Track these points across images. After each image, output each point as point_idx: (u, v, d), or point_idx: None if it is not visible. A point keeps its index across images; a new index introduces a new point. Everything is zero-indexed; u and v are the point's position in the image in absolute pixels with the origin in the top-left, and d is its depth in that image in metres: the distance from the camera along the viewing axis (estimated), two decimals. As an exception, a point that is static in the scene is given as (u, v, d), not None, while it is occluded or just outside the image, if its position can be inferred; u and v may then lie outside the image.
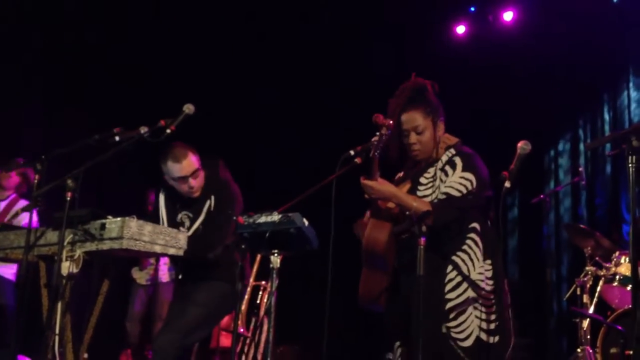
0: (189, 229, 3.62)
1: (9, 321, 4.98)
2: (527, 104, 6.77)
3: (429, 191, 3.16)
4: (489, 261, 3.10)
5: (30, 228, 3.30)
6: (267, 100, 7.10)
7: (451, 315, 3.02)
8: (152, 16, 7.01)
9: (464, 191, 3.06)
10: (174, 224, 3.67)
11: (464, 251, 3.09)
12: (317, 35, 7.14)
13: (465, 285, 3.05)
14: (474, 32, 7.21)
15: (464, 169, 3.09)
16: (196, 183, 3.63)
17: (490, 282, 3.07)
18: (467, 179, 3.08)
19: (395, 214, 3.17)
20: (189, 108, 3.43)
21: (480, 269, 3.06)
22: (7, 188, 5.29)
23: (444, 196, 3.09)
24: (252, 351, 4.92)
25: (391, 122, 3.13)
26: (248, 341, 5.13)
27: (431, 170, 3.19)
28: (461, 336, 3.01)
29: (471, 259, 3.07)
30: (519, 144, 2.99)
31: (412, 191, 3.19)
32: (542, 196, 6.10)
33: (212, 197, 3.62)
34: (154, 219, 3.70)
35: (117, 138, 3.40)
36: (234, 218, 2.88)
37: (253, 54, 7.23)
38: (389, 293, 3.16)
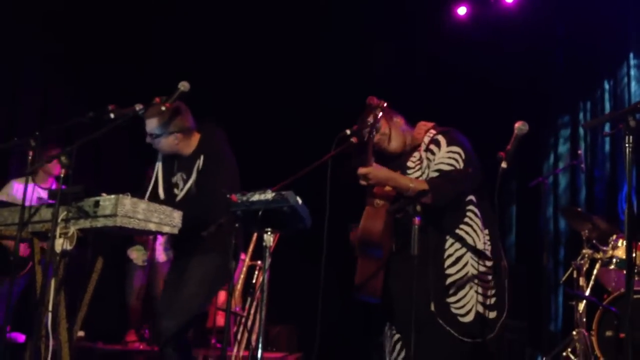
0: (181, 190, 3.62)
1: (1, 299, 4.99)
2: (528, 85, 6.75)
3: (418, 173, 3.22)
4: (487, 231, 3.16)
5: (24, 205, 3.29)
6: (262, 78, 7.06)
7: (451, 291, 3.07)
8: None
9: (455, 164, 3.11)
10: (169, 185, 3.67)
11: (466, 223, 3.14)
12: (314, 15, 7.10)
13: (465, 259, 3.10)
14: (475, 13, 7.16)
15: (449, 144, 3.17)
16: (156, 143, 3.62)
17: (490, 253, 3.13)
18: (454, 152, 3.15)
19: (392, 196, 3.19)
20: (184, 85, 3.40)
21: (484, 239, 3.12)
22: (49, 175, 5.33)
23: (436, 173, 3.12)
24: (247, 330, 4.92)
25: (385, 103, 3.14)
26: (244, 320, 5.14)
27: (416, 153, 3.26)
28: (462, 312, 3.06)
29: (474, 230, 3.13)
30: (516, 125, 2.99)
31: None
32: (540, 179, 6.08)
33: (202, 157, 3.61)
34: (152, 184, 3.69)
35: (111, 115, 3.38)
36: (224, 191, 2.86)
37: (251, 30, 7.19)
38: (385, 279, 3.18)
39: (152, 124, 3.56)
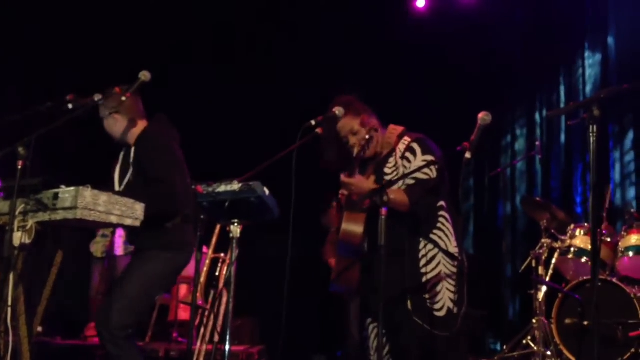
0: (121, 182, 3.57)
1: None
2: (487, 77, 6.83)
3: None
4: (455, 234, 3.31)
5: (-20, 198, 3.19)
6: (228, 67, 7.01)
7: (428, 287, 3.21)
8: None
9: (430, 174, 3.24)
10: (123, 177, 3.61)
11: (439, 229, 3.29)
12: (276, 8, 7.06)
13: (438, 259, 3.25)
14: (433, 6, 7.21)
15: (424, 153, 3.31)
16: (107, 127, 3.61)
17: (458, 254, 3.28)
18: (429, 161, 3.26)
19: (367, 206, 3.27)
20: (145, 75, 3.33)
21: (454, 242, 3.28)
22: None
23: (413, 181, 3.25)
24: (211, 323, 4.87)
25: (335, 110, 3.26)
26: (207, 313, 5.09)
27: (392, 160, 3.37)
28: (437, 307, 3.20)
29: (446, 235, 3.28)
30: (480, 115, 3.02)
31: (379, 182, 3.30)
32: (499, 169, 6.18)
33: (133, 149, 3.56)
34: (110, 178, 3.65)
35: (70, 105, 3.30)
36: (193, 187, 2.82)
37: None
38: (361, 274, 3.30)
39: (103, 107, 3.52)
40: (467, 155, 2.93)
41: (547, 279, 5.06)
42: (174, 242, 3.51)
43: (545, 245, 5.09)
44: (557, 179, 6.64)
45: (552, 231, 5.19)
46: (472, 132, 2.98)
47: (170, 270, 3.58)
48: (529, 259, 5.14)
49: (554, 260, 5.14)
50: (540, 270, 5.04)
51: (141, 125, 3.63)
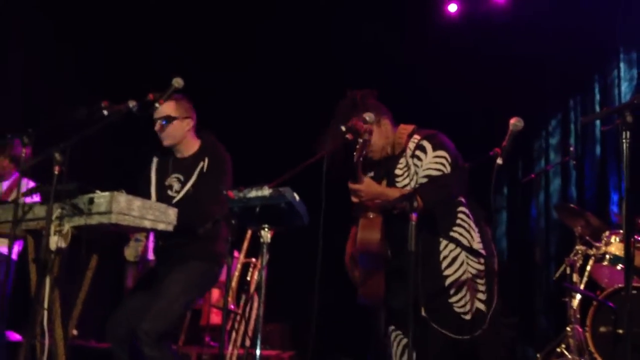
0: (178, 192, 3.62)
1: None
2: (519, 83, 6.76)
3: (407, 180, 3.23)
4: (477, 229, 3.20)
5: (18, 202, 3.27)
6: (258, 74, 7.06)
7: (452, 291, 3.09)
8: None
9: (443, 169, 3.14)
10: (161, 186, 3.67)
11: (459, 225, 3.17)
12: (308, 12, 7.09)
13: (461, 258, 3.13)
14: (466, 10, 7.17)
15: (435, 149, 3.19)
16: (168, 129, 3.65)
17: (483, 250, 3.17)
18: (441, 157, 3.18)
19: (383, 207, 3.18)
20: (177, 82, 3.38)
21: (478, 238, 3.16)
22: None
23: (425, 179, 3.15)
24: (242, 328, 4.91)
25: (365, 115, 3.12)
26: (238, 318, 5.12)
27: (402, 160, 3.25)
28: (464, 310, 3.09)
29: (468, 231, 3.16)
30: (512, 121, 2.99)
31: (390, 185, 3.24)
32: (532, 176, 6.11)
33: (206, 159, 3.63)
34: (145, 185, 3.70)
35: (104, 112, 3.36)
36: (225, 192, 2.85)
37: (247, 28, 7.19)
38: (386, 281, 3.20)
39: (169, 107, 3.57)
40: (499, 161, 2.90)
41: (582, 286, 4.99)
42: (211, 253, 3.57)
43: (579, 252, 5.02)
44: (591, 186, 6.54)
45: (587, 238, 5.11)
46: (504, 138, 2.96)
47: (208, 278, 3.63)
48: (563, 266, 5.08)
49: (588, 268, 5.07)
50: (575, 277, 4.97)
51: (196, 137, 3.73)
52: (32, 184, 5.15)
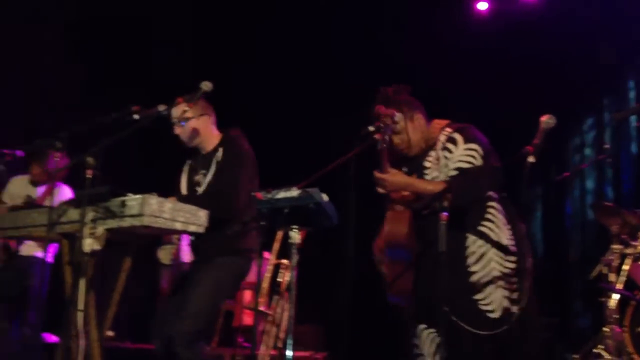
0: (202, 186, 3.70)
1: (33, 301, 5.05)
2: (552, 80, 6.67)
3: (436, 173, 3.18)
4: (509, 225, 3.12)
5: (52, 206, 3.32)
6: (284, 74, 7.08)
7: (478, 287, 3.03)
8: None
9: (474, 162, 3.07)
10: (191, 185, 3.75)
11: (489, 220, 3.10)
12: (334, 11, 7.10)
13: (489, 255, 3.06)
14: (496, 8, 7.10)
15: (466, 141, 3.12)
16: (183, 130, 3.72)
17: (514, 248, 3.09)
18: (472, 149, 3.11)
19: (411, 200, 3.16)
20: (206, 85, 3.41)
21: (508, 234, 3.08)
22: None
23: (455, 172, 3.09)
24: (274, 329, 4.92)
25: (395, 111, 3.10)
26: (270, 319, 5.14)
27: (432, 153, 3.20)
28: (490, 307, 3.02)
29: (497, 226, 3.09)
30: (543, 118, 2.95)
31: (419, 177, 3.20)
32: (566, 174, 6.01)
33: (221, 149, 3.70)
34: (176, 187, 3.80)
35: (135, 116, 3.40)
36: (253, 193, 2.87)
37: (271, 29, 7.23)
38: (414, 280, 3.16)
39: (181, 107, 3.62)
40: (531, 159, 2.86)
41: (620, 286, 4.89)
42: (237, 249, 3.59)
43: (616, 251, 4.92)
44: (628, 183, 6.42)
45: (624, 237, 5.01)
46: (536, 136, 2.92)
47: (235, 276, 3.66)
48: (599, 265, 4.98)
49: (626, 267, 4.97)
50: (612, 277, 4.88)
51: (217, 133, 3.79)
52: (65, 188, 5.24)
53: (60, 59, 6.74)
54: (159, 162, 6.34)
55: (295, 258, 2.87)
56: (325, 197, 2.79)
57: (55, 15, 6.74)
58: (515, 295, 3.05)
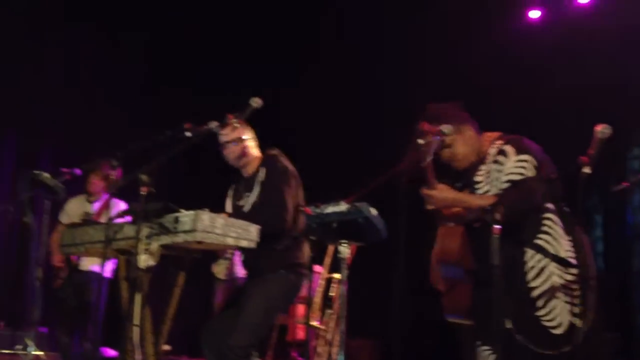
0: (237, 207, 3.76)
1: (92, 315, 5.18)
2: (607, 89, 6.50)
3: (487, 187, 3.12)
4: (569, 237, 3.03)
5: (109, 223, 3.41)
6: (331, 89, 7.12)
7: (539, 303, 2.95)
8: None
9: (526, 173, 2.99)
10: (235, 206, 3.81)
11: (545, 232, 3.01)
12: (383, 22, 7.10)
13: (549, 269, 2.98)
14: (548, 16, 6.98)
15: (517, 152, 3.05)
16: (233, 150, 3.78)
17: (574, 260, 3.00)
18: (524, 160, 3.03)
19: (462, 216, 3.12)
20: (256, 102, 3.46)
21: (567, 246, 3.00)
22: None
23: (507, 184, 3.02)
24: (327, 344, 4.92)
25: (439, 127, 3.08)
26: (323, 333, 5.14)
27: (483, 167, 3.15)
28: (553, 324, 2.93)
29: (555, 239, 3.00)
30: (598, 128, 2.88)
31: (471, 192, 3.15)
32: (625, 184, 5.84)
33: (264, 170, 3.74)
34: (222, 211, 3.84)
35: (187, 133, 3.46)
36: (301, 208, 2.89)
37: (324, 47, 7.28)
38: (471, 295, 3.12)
39: (232, 131, 3.71)
40: (586, 170, 2.80)
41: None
42: (288, 264, 3.62)
43: (680, 262, 4.75)
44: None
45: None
46: (590, 146, 2.86)
47: (286, 291, 3.69)
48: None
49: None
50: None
51: (259, 155, 3.86)
52: (120, 203, 5.37)
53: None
54: (211, 177, 6.44)
55: (345, 272, 2.86)
56: (374, 212, 2.78)
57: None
58: (579, 310, 2.95)
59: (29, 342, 4.47)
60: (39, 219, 4.47)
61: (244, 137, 3.80)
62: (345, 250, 2.88)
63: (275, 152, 3.86)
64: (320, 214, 2.82)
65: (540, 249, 2.99)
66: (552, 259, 2.98)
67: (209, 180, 5.92)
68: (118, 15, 7.18)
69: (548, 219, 3.03)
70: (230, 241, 3.28)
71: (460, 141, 3.19)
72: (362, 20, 7.22)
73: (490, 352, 3.05)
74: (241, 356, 3.46)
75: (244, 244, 3.34)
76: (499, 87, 6.70)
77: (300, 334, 5.61)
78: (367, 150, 6.78)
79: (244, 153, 3.81)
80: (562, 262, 2.98)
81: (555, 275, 2.97)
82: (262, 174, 3.74)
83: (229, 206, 3.91)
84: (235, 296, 3.86)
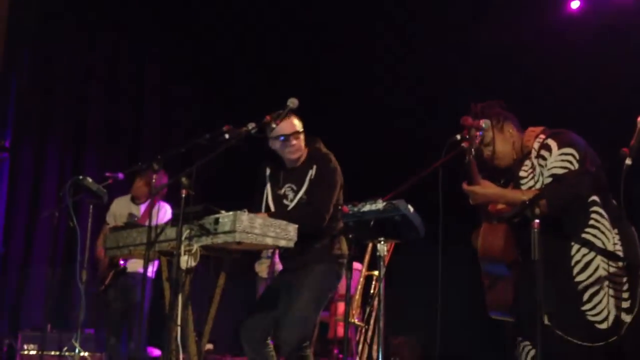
0: (292, 200, 3.74)
1: (137, 316, 5.27)
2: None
3: (531, 182, 3.10)
4: (616, 230, 3.00)
5: (151, 225, 3.47)
6: (368, 86, 7.11)
7: (585, 298, 2.92)
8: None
9: (569, 166, 2.96)
10: (276, 196, 3.79)
11: (592, 226, 2.99)
12: (424, 14, 7.07)
13: (596, 263, 2.94)
14: (589, 7, 6.86)
15: (560, 146, 3.02)
16: (296, 143, 3.74)
17: (622, 253, 2.97)
18: (567, 154, 3.00)
19: (501, 217, 3.10)
20: (293, 102, 3.48)
21: (614, 239, 2.97)
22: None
23: (550, 179, 3.00)
24: (368, 340, 4.93)
25: (481, 122, 3.06)
26: (364, 331, 5.15)
27: (527, 162, 3.13)
28: (598, 318, 2.91)
29: (602, 232, 2.98)
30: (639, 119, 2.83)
31: (515, 188, 3.13)
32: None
33: (314, 167, 3.72)
34: (261, 194, 3.83)
35: (226, 136, 3.50)
36: (339, 207, 2.90)
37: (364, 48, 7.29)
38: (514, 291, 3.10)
39: (292, 124, 3.69)
40: (628, 161, 2.76)
41: None
42: (330, 255, 3.64)
43: None
44: None
45: None
46: (633, 137, 2.80)
47: (331, 281, 3.71)
48: None
49: None
50: None
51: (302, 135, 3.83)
52: (165, 206, 5.46)
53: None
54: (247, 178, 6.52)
55: (383, 269, 2.87)
56: (411, 209, 2.78)
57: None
58: (626, 304, 2.91)
59: (76, 344, 4.58)
60: (83, 224, 4.57)
61: (300, 129, 3.77)
62: (383, 248, 2.89)
63: (320, 144, 3.84)
64: (357, 212, 2.83)
65: (586, 243, 2.97)
66: (599, 252, 2.96)
67: (244, 180, 5.98)
68: (161, 21, 7.29)
69: (595, 212, 3.01)
70: (269, 241, 3.32)
71: (500, 139, 3.18)
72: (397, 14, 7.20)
73: (530, 347, 3.04)
74: (296, 349, 3.50)
75: (283, 243, 3.37)
76: (541, 78, 6.62)
77: (341, 331, 5.63)
78: (408, 146, 6.76)
79: (301, 147, 3.79)
80: (609, 255, 2.95)
81: (601, 269, 2.94)
82: (313, 170, 3.72)
83: (269, 191, 3.85)
84: (277, 286, 3.86)
